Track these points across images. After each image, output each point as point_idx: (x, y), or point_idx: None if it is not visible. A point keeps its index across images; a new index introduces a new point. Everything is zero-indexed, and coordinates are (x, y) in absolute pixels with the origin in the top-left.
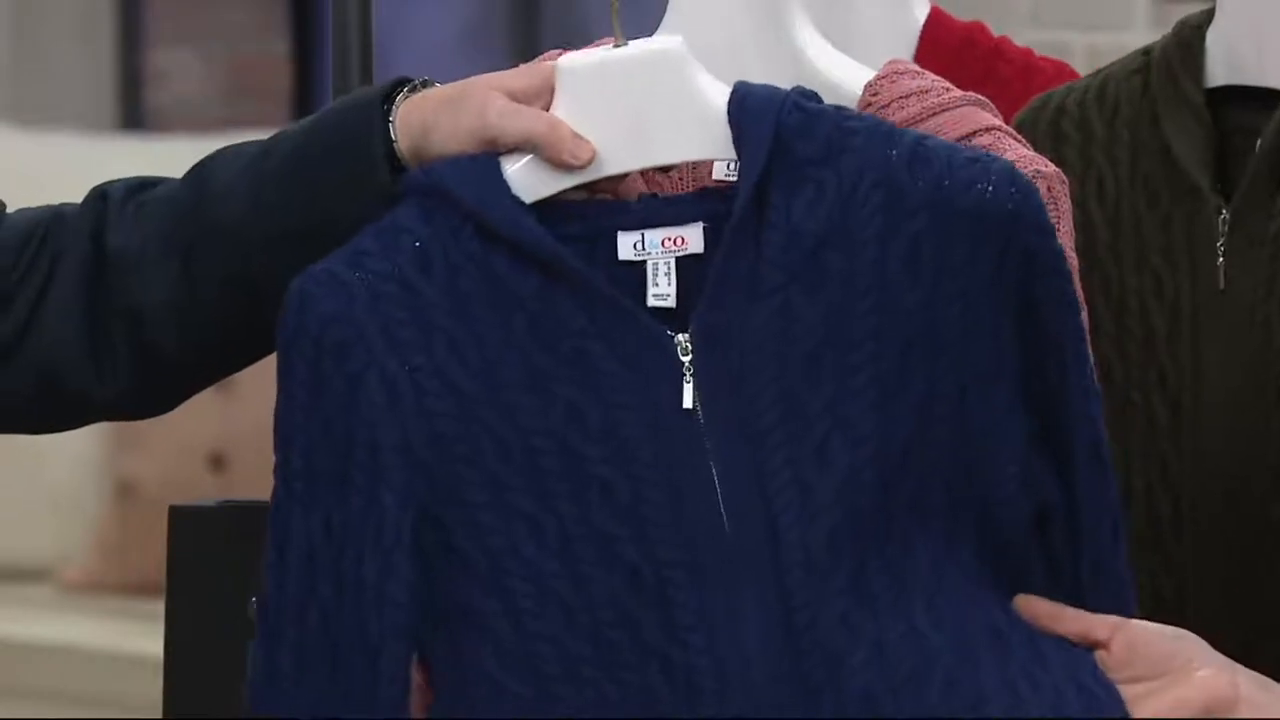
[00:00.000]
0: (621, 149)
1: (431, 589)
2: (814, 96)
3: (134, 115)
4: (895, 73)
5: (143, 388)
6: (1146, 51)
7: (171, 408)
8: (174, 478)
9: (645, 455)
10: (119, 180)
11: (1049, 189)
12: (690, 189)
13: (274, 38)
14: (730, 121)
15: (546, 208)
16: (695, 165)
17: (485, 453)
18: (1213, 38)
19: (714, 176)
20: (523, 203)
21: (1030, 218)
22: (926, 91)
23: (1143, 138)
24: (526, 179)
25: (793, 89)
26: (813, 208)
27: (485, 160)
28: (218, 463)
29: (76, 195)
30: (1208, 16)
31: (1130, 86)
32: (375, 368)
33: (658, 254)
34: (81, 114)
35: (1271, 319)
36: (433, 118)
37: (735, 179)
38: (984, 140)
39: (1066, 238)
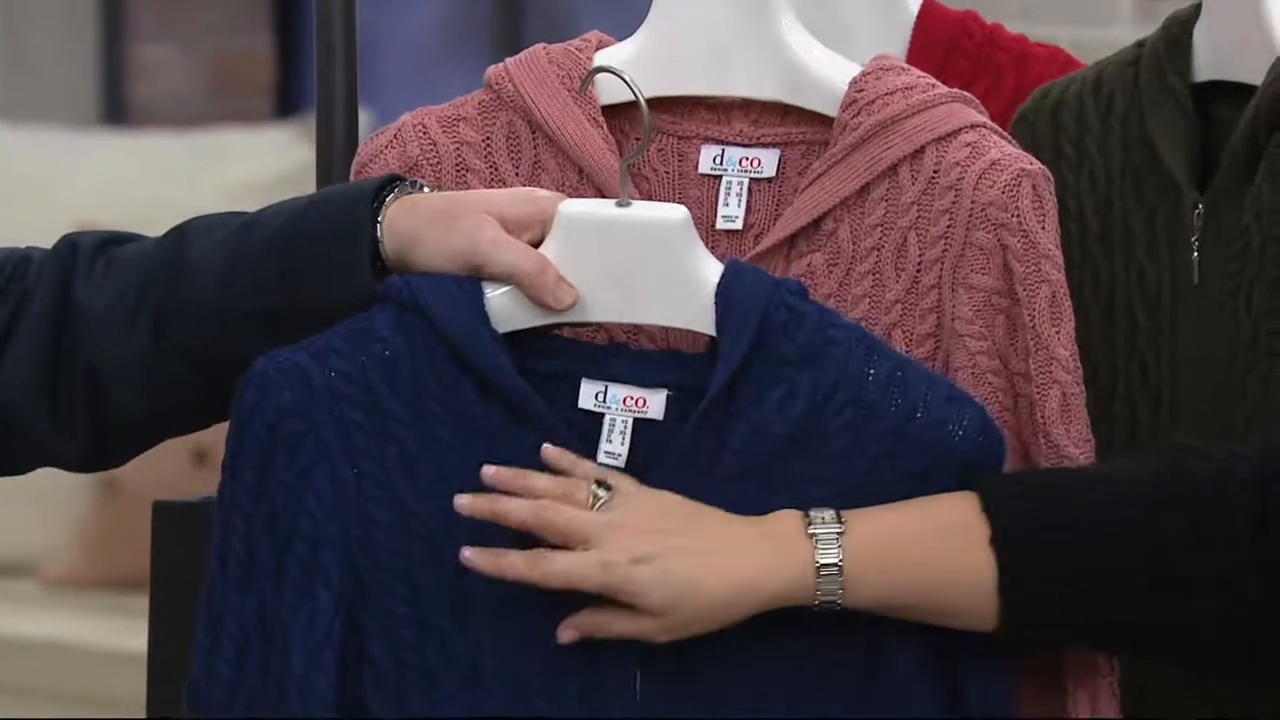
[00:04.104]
0: (605, 301)
1: (340, 690)
2: (803, 292)
3: (117, 110)
4: (880, 69)
5: (96, 443)
6: (1140, 44)
7: (122, 464)
8: (157, 473)
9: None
10: (89, 232)
11: (1034, 187)
12: (664, 344)
13: (257, 33)
14: (717, 302)
15: (519, 336)
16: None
17: (416, 570)
18: (1199, 33)
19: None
20: (498, 335)
21: (991, 468)
22: (911, 88)
23: (1132, 131)
24: (505, 308)
25: (783, 282)
26: (783, 409)
27: (469, 286)
28: (201, 458)
29: (60, 190)
30: (1196, 11)
31: (1123, 79)
32: (325, 465)
33: (617, 410)
34: (65, 109)
35: (1239, 313)
36: (423, 229)
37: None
38: (969, 137)
39: (1052, 236)
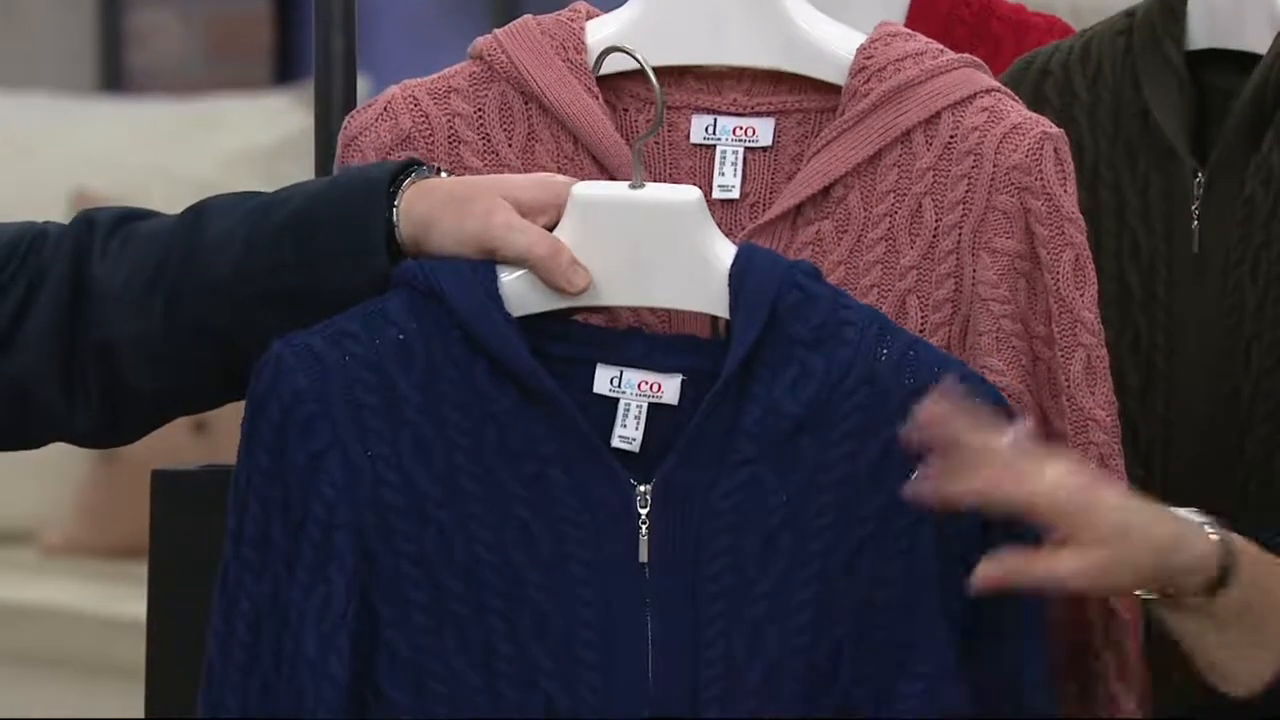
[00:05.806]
0: (619, 283)
1: (355, 674)
2: (815, 274)
3: (114, 76)
4: (888, 35)
5: (108, 419)
6: (1130, 13)
7: (134, 440)
8: (156, 441)
9: (586, 595)
10: (105, 207)
11: (1055, 150)
12: (675, 328)
13: None
14: (730, 285)
15: (533, 320)
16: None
17: (431, 554)
18: (1194, 0)
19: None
20: (512, 319)
21: None
22: (922, 54)
23: (1124, 100)
24: (520, 292)
25: (796, 264)
26: (796, 390)
27: (484, 270)
28: (200, 426)
29: (57, 157)
30: None
31: (1113, 48)
32: (338, 449)
33: (632, 395)
34: (61, 75)
35: (1244, 281)
36: (438, 212)
37: (725, 317)
38: (985, 102)
39: (1074, 199)
